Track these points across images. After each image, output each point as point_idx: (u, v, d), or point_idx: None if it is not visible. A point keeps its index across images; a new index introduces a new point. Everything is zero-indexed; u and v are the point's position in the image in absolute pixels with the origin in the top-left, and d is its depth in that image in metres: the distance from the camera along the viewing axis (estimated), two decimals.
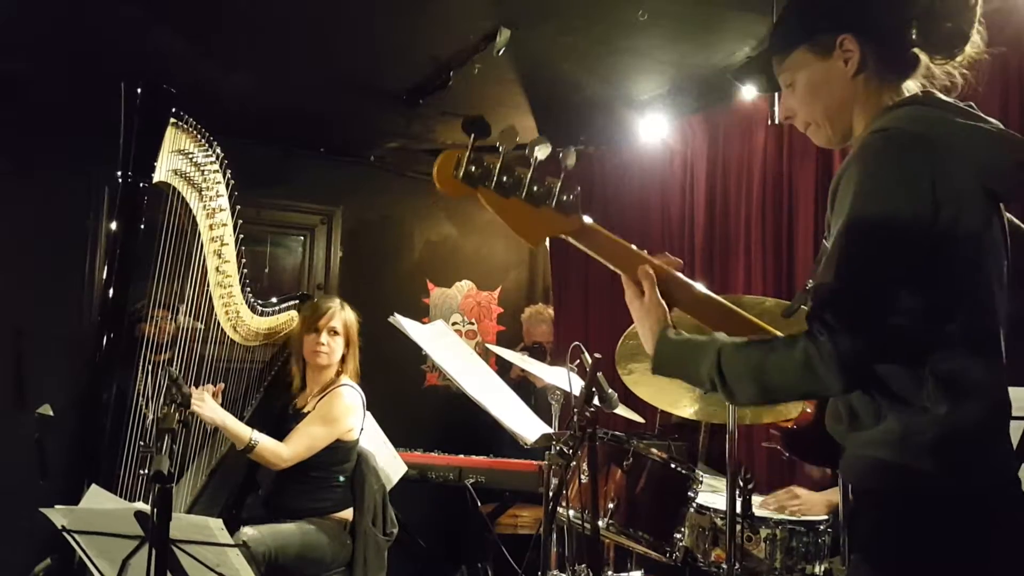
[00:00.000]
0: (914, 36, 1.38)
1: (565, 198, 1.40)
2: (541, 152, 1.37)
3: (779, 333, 1.42)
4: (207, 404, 2.83)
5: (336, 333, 3.11)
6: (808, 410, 1.57)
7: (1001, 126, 1.37)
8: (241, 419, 3.04)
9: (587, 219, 1.44)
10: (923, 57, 1.41)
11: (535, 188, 1.39)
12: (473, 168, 1.38)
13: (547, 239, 1.44)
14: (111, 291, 2.47)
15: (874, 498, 1.33)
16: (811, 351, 1.23)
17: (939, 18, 1.37)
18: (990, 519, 1.27)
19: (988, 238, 1.32)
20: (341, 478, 3.11)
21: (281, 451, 2.95)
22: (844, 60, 1.40)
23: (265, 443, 2.91)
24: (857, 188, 1.26)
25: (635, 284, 1.47)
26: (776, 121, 3.36)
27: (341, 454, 3.10)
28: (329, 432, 3.03)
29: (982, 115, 1.37)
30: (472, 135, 1.40)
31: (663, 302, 1.45)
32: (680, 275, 1.48)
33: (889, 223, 1.24)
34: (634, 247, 1.49)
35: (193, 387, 2.88)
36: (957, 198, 1.26)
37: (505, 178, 1.38)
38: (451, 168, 1.38)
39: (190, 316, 2.84)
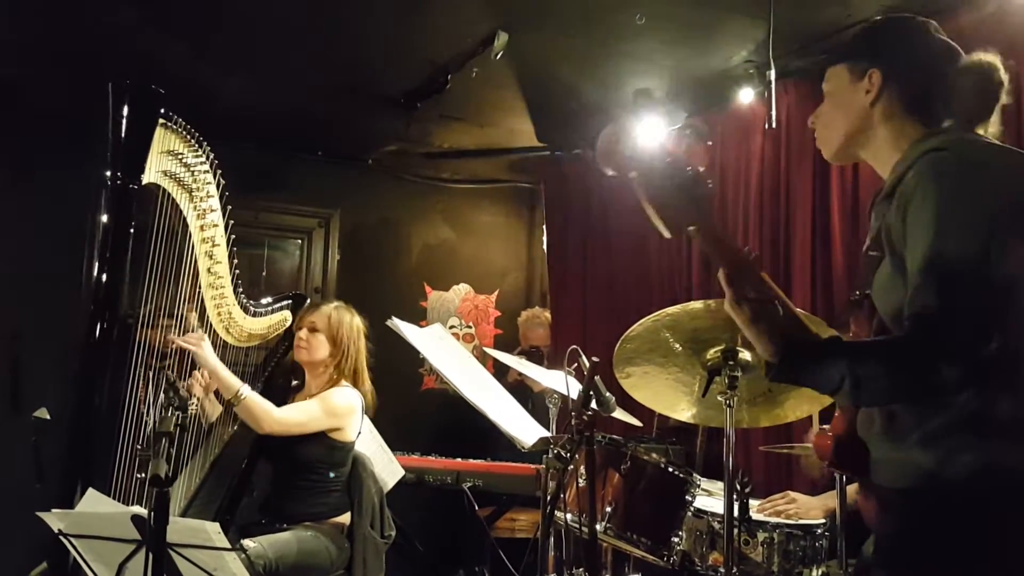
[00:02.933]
0: (948, 99, 1.50)
1: (700, 192, 1.43)
2: (696, 139, 1.40)
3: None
4: (205, 346, 2.86)
5: (315, 330, 3.12)
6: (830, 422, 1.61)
7: None
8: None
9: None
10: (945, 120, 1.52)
11: (689, 172, 1.42)
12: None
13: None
14: (100, 295, 2.46)
15: (908, 498, 1.38)
16: (932, 357, 1.30)
17: (966, 93, 1.49)
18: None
19: None
20: (338, 482, 3.11)
21: (272, 410, 2.94)
22: (867, 90, 1.55)
23: (254, 397, 2.92)
24: (934, 204, 1.34)
25: (737, 287, 1.48)
26: (773, 125, 3.38)
27: (339, 455, 3.10)
28: (324, 419, 3.03)
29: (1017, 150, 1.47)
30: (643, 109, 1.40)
31: (776, 303, 1.47)
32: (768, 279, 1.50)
33: (975, 235, 1.32)
34: (745, 250, 1.53)
35: (192, 333, 2.88)
36: (1013, 217, 1.35)
37: (662, 162, 1.42)
38: (615, 143, 1.50)
39: (181, 319, 2.84)
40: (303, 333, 3.12)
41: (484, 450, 4.16)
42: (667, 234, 1.47)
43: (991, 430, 1.32)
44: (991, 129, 1.52)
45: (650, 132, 4.44)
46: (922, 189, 1.37)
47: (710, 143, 1.35)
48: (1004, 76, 1.52)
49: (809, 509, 2.70)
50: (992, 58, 1.52)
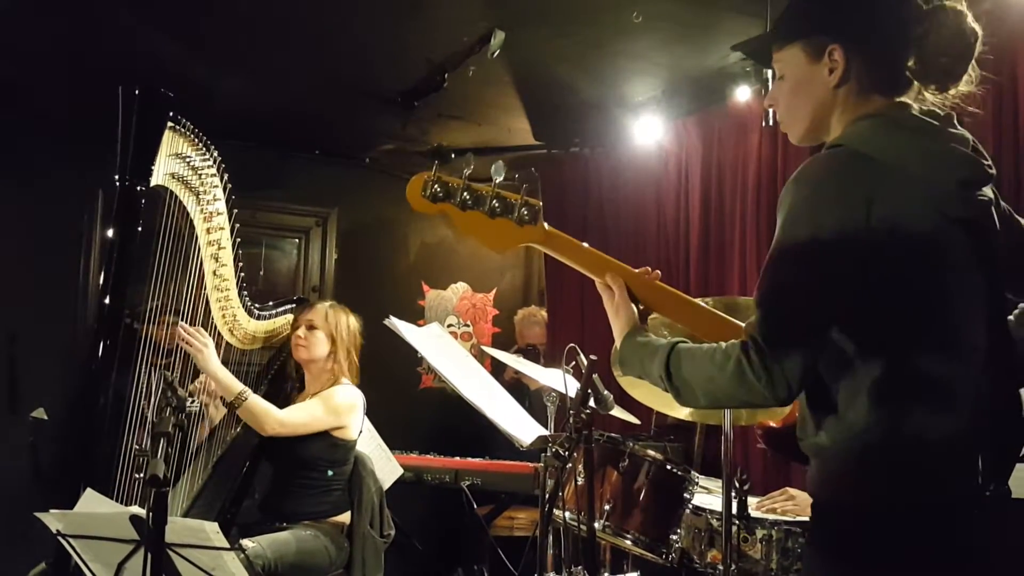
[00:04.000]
0: (910, 63, 1.39)
1: (524, 212, 1.59)
2: (498, 174, 1.58)
3: None
4: (208, 352, 2.85)
5: (313, 327, 3.13)
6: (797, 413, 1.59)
7: (964, 140, 1.36)
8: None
9: (547, 227, 1.60)
10: (916, 82, 1.41)
11: (495, 204, 1.59)
12: (437, 188, 1.60)
13: (514, 247, 1.62)
14: (108, 295, 2.47)
15: (815, 502, 1.39)
16: (743, 363, 1.28)
17: (936, 50, 1.37)
18: (924, 530, 1.28)
19: (942, 253, 1.31)
20: (339, 480, 3.11)
21: (275, 411, 2.94)
22: (829, 69, 1.40)
23: (256, 400, 2.92)
24: (789, 206, 1.30)
25: (606, 287, 1.59)
26: (770, 123, 3.38)
27: (340, 453, 3.10)
28: (327, 419, 3.03)
29: (946, 128, 1.36)
30: (436, 161, 1.64)
31: (631, 304, 1.56)
32: (645, 278, 1.59)
33: (816, 241, 1.26)
34: (601, 253, 1.62)
35: (200, 329, 2.87)
36: (897, 214, 1.27)
37: (466, 195, 1.60)
38: (419, 189, 1.60)
39: (186, 321, 2.84)
40: (301, 331, 3.13)
41: (482, 448, 4.16)
42: (497, 253, 1.63)
43: (884, 440, 1.27)
44: (962, 88, 1.40)
45: (646, 132, 4.47)
46: (786, 189, 1.32)
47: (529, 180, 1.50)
48: (975, 24, 1.37)
49: (807, 506, 2.70)
50: (958, 5, 1.37)
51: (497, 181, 1.59)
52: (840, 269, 1.27)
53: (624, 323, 1.55)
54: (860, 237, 1.26)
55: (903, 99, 1.41)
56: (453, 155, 5.01)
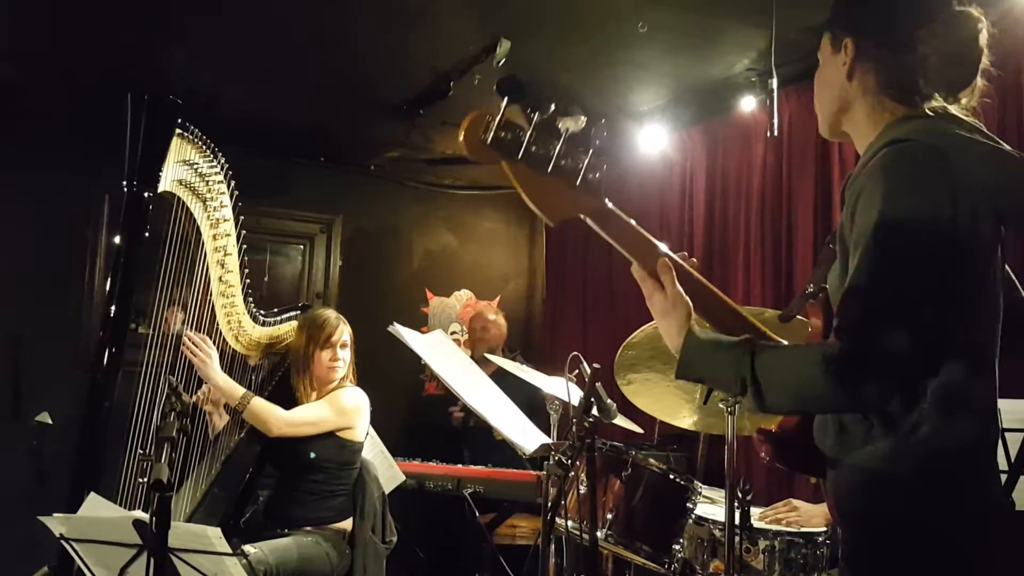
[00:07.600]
0: (922, 69, 1.38)
1: (592, 176, 1.31)
2: (574, 124, 1.31)
3: (784, 342, 1.41)
4: (212, 363, 2.86)
5: (346, 346, 3.16)
6: None
7: (1011, 150, 1.36)
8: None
9: (609, 203, 1.36)
10: (930, 93, 1.40)
11: (563, 163, 1.30)
12: (503, 134, 1.28)
13: (569, 217, 1.35)
14: (114, 300, 2.48)
15: (857, 517, 1.33)
16: (848, 362, 1.19)
17: (946, 60, 1.37)
18: (973, 542, 1.27)
19: (995, 257, 1.32)
20: (344, 484, 3.11)
21: (280, 412, 2.95)
22: (844, 62, 1.43)
23: (260, 402, 2.93)
24: (880, 201, 1.23)
25: (652, 277, 1.42)
26: (775, 133, 3.38)
27: (346, 455, 3.10)
28: (335, 419, 3.04)
29: (995, 137, 1.37)
30: (506, 98, 1.29)
31: (687, 297, 1.38)
32: (698, 274, 1.44)
33: (916, 235, 1.22)
34: (653, 239, 1.42)
35: (206, 338, 2.88)
36: (972, 213, 1.26)
37: (535, 149, 1.29)
38: (479, 132, 1.29)
39: (191, 327, 2.85)
40: (339, 352, 3.13)
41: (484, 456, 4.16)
42: (550, 223, 1.35)
43: (942, 450, 1.24)
44: (973, 101, 1.41)
45: (650, 141, 4.47)
46: (872, 184, 1.26)
47: (603, 134, 1.21)
48: (983, 33, 1.39)
49: (811, 517, 2.70)
50: (971, 12, 1.39)
51: (568, 131, 1.30)
52: (936, 261, 1.22)
53: (682, 319, 1.36)
54: (949, 229, 1.23)
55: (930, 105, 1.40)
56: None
